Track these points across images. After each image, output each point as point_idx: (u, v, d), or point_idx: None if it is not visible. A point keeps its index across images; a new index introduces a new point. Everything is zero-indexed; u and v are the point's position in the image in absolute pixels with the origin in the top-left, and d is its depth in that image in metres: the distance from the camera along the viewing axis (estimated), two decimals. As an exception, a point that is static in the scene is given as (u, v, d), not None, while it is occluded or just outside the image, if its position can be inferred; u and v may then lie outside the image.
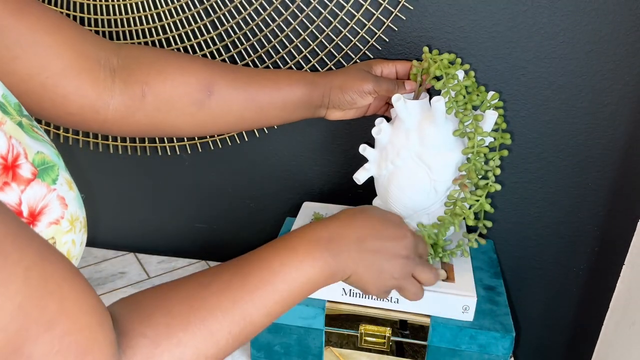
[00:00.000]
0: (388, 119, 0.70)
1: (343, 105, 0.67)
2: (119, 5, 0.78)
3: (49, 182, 0.41)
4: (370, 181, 0.71)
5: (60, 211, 0.42)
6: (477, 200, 0.62)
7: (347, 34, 0.75)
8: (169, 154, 0.88)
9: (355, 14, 0.74)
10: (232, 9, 0.76)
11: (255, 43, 0.78)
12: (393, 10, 0.73)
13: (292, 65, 0.78)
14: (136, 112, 0.59)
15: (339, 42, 0.76)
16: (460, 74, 0.63)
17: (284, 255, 0.48)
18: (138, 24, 0.79)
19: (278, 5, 0.75)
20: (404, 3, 0.72)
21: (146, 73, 0.59)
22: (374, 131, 0.67)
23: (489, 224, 0.65)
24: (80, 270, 0.37)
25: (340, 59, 0.77)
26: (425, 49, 0.67)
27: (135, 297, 0.43)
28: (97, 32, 0.80)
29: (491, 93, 0.64)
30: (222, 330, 0.43)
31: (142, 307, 0.42)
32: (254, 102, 0.64)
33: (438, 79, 0.64)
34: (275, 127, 0.83)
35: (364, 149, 0.69)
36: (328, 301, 0.67)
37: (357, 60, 0.77)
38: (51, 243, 0.41)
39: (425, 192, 0.65)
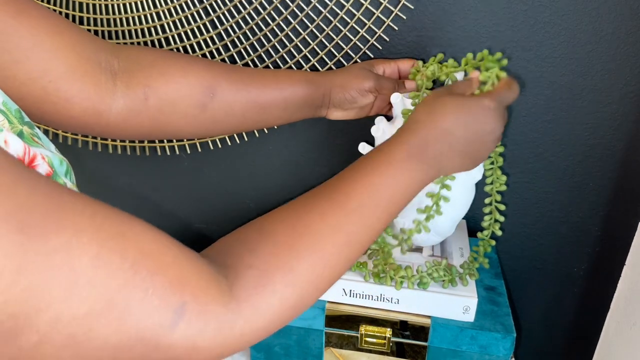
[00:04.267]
0: (390, 119, 0.70)
1: (344, 105, 0.67)
2: (118, 5, 0.78)
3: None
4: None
5: None
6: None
7: (347, 33, 0.75)
8: (169, 154, 0.87)
9: (356, 13, 0.74)
10: (231, 8, 0.76)
11: (254, 42, 0.78)
12: (393, 9, 0.73)
13: (292, 65, 0.78)
14: (138, 114, 0.59)
15: (339, 41, 0.76)
16: (460, 75, 0.63)
17: (382, 170, 0.47)
18: (137, 23, 0.79)
19: (278, 5, 0.75)
20: (405, 2, 0.72)
21: (147, 75, 0.59)
22: (373, 129, 0.67)
23: (493, 242, 0.68)
24: None
25: (341, 58, 0.77)
26: (420, 63, 0.68)
27: (233, 234, 0.43)
28: (96, 32, 0.80)
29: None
30: (329, 253, 0.42)
31: (244, 241, 0.41)
32: (256, 103, 0.64)
33: (434, 81, 0.65)
34: (275, 127, 0.83)
35: (362, 147, 0.69)
36: (328, 302, 0.67)
37: (358, 60, 0.76)
38: None
39: (422, 192, 0.65)
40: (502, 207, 0.66)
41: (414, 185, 0.48)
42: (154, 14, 0.78)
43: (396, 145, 0.49)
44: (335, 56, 0.77)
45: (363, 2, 0.73)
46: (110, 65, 0.57)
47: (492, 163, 0.65)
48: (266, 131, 0.84)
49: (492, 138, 0.52)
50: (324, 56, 0.77)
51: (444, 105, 0.50)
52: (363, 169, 0.47)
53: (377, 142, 0.68)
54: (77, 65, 0.53)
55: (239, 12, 0.76)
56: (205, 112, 0.62)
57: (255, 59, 0.78)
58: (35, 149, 0.41)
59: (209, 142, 0.85)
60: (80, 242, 0.30)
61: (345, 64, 0.77)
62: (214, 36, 0.78)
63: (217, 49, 0.79)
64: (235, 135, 0.85)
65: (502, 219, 0.66)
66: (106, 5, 0.78)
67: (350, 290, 0.66)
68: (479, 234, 0.68)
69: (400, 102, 0.63)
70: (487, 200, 0.66)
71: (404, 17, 0.73)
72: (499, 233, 0.66)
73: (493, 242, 0.67)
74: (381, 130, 0.67)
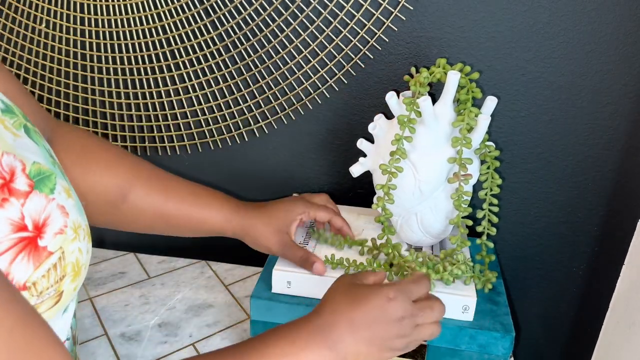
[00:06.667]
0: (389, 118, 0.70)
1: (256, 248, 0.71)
2: (119, 5, 0.78)
3: (47, 192, 0.41)
4: (370, 181, 0.71)
5: (62, 220, 0.42)
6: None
7: (347, 34, 0.75)
8: (169, 154, 0.88)
9: (355, 14, 0.74)
10: (232, 9, 0.76)
11: (255, 43, 0.78)
12: (393, 10, 0.73)
13: (292, 66, 0.79)
14: None
15: (339, 42, 0.76)
16: (456, 75, 0.63)
17: (284, 346, 0.48)
18: (138, 24, 0.79)
19: (278, 6, 0.75)
20: (404, 3, 0.72)
21: (72, 161, 0.59)
22: (370, 126, 0.68)
23: (490, 244, 0.68)
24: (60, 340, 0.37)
25: (341, 59, 0.77)
26: (413, 69, 0.68)
27: None
28: (97, 33, 0.80)
29: (489, 98, 0.64)
30: None
31: None
32: (168, 216, 0.66)
33: (430, 85, 0.66)
34: (275, 127, 0.83)
35: (360, 143, 0.70)
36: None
37: (358, 61, 0.77)
38: (59, 254, 0.41)
39: (410, 192, 0.65)
40: (496, 209, 0.67)
41: None
42: (154, 15, 0.78)
43: (301, 325, 0.50)
44: (335, 57, 0.77)
45: (362, 3, 0.73)
46: (45, 136, 0.57)
47: (487, 167, 0.66)
48: (266, 131, 0.84)
49: (399, 328, 0.51)
50: (324, 57, 0.77)
51: (346, 295, 0.52)
52: (268, 340, 0.49)
53: (376, 140, 0.69)
54: None
55: (239, 13, 0.77)
56: (116, 212, 0.64)
57: (255, 59, 0.79)
58: (28, 154, 0.41)
59: (209, 142, 0.86)
60: None
61: (345, 64, 0.77)
62: (215, 37, 0.78)
63: (218, 50, 0.79)
64: (235, 135, 0.85)
65: (495, 219, 0.67)
66: (107, 6, 0.79)
67: (350, 290, 0.66)
68: (478, 240, 0.69)
69: (394, 100, 0.64)
70: (484, 206, 0.67)
71: (404, 18, 0.74)
72: (494, 232, 0.67)
73: (491, 245, 0.68)
74: (377, 127, 0.68)
